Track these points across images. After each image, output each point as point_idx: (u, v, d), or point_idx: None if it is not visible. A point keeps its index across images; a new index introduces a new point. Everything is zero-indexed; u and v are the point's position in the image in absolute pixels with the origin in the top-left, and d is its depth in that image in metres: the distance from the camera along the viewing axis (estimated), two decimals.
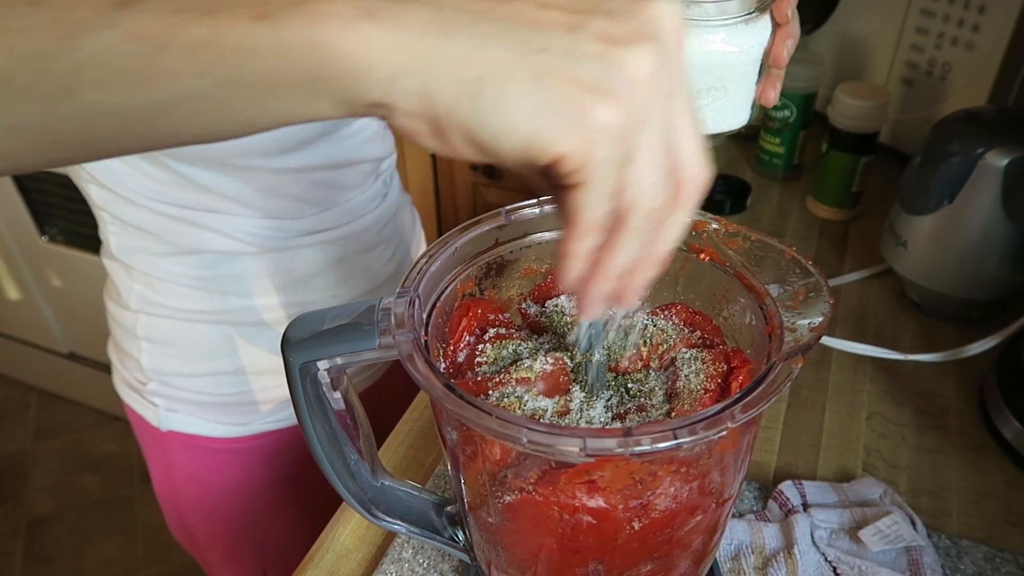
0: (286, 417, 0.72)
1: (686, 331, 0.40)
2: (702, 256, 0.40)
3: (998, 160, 0.58)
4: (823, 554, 0.48)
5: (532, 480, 0.33)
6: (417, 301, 0.36)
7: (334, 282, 0.70)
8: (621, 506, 0.32)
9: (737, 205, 0.82)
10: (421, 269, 0.38)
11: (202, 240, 0.62)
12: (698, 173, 0.27)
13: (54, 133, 0.27)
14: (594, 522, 0.33)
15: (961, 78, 0.78)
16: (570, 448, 0.29)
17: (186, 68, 0.26)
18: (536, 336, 0.41)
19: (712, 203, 0.82)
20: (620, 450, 0.29)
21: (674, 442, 0.29)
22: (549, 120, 0.25)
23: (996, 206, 0.59)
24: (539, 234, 0.42)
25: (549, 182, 0.28)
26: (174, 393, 0.68)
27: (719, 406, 0.30)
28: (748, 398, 0.30)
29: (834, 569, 0.47)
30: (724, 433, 0.29)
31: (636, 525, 0.33)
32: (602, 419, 0.36)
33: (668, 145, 0.26)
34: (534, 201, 0.41)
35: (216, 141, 0.29)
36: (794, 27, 0.44)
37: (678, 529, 0.34)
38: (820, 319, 0.34)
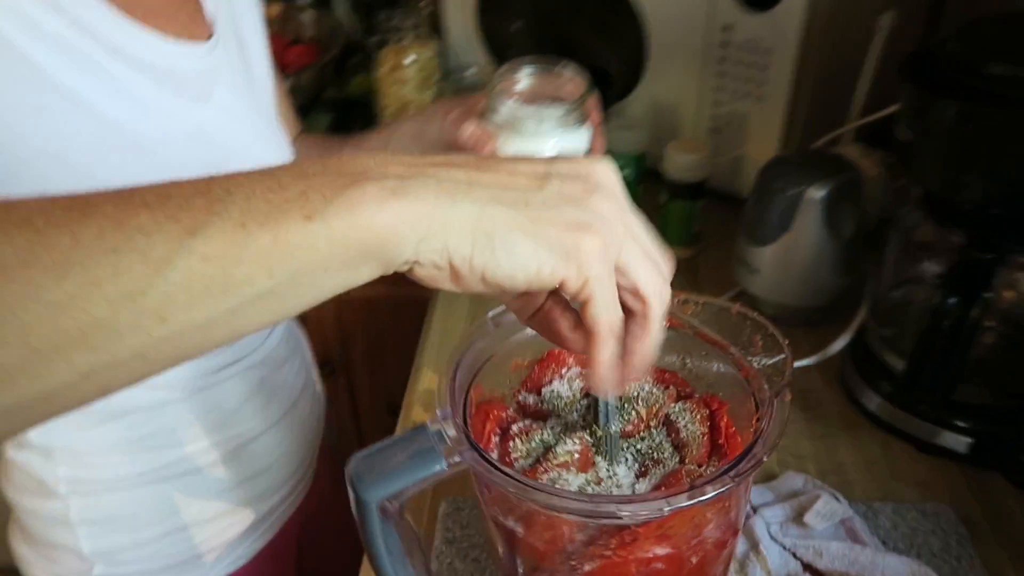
0: (237, 558, 0.71)
1: (665, 389, 0.47)
2: (668, 322, 0.48)
3: (817, 193, 0.73)
4: (782, 544, 0.57)
5: (613, 546, 0.38)
6: (457, 416, 0.41)
7: (260, 407, 0.71)
8: (684, 547, 0.39)
9: None
10: (448, 387, 0.42)
11: (130, 398, 0.60)
12: (666, 259, 0.36)
13: (147, 356, 0.30)
14: (663, 567, 0.39)
15: (756, 125, 0.94)
16: (657, 509, 0.35)
17: (258, 273, 0.30)
18: (544, 422, 0.47)
19: None
20: (691, 502, 0.35)
21: (730, 485, 0.36)
22: (549, 255, 0.32)
23: (822, 228, 0.74)
24: (520, 333, 0.48)
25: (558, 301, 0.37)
26: (123, 571, 0.65)
27: (748, 447, 0.38)
28: (766, 436, 0.38)
29: (794, 554, 0.57)
30: (760, 467, 0.37)
31: (694, 560, 0.40)
32: (629, 480, 0.43)
33: (643, 249, 0.34)
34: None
35: (276, 324, 0.33)
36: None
37: (720, 552, 0.42)
38: (784, 355, 0.43)
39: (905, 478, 0.64)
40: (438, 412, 0.41)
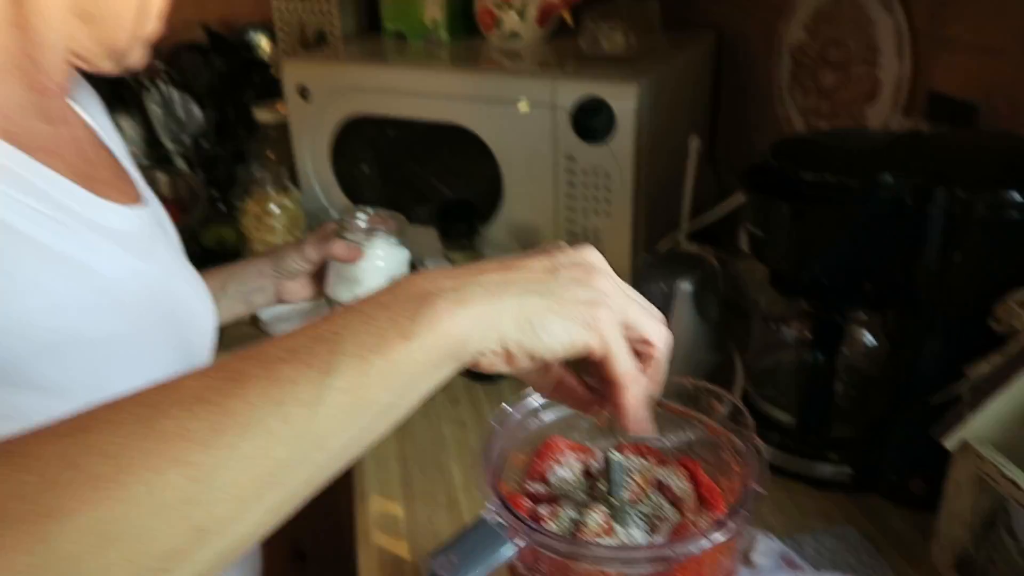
0: None
1: (648, 459, 0.56)
2: None
3: (686, 286, 0.87)
4: None
5: None
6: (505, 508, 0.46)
7: None
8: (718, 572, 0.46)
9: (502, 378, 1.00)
10: (491, 485, 0.48)
11: None
12: (659, 314, 0.47)
13: (312, 482, 0.36)
14: None
15: (608, 235, 1.09)
16: (701, 545, 0.43)
17: (380, 391, 0.37)
18: (556, 503, 0.53)
19: (478, 375, 0.99)
20: (727, 536, 0.44)
21: (748, 516, 0.44)
22: (577, 329, 0.41)
23: (694, 314, 0.88)
24: (517, 432, 0.55)
25: (588, 369, 0.45)
26: None
27: (742, 498, 0.47)
28: (756, 473, 0.48)
29: None
30: (760, 499, 0.46)
31: None
32: (644, 538, 0.50)
33: (641, 307, 0.45)
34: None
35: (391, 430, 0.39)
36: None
37: None
38: (743, 413, 0.53)
39: (810, 512, 0.76)
40: (489, 507, 0.46)
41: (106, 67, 0.62)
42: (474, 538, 0.44)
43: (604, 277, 0.43)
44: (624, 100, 1.00)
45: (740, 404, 0.54)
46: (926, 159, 0.70)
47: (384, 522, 0.78)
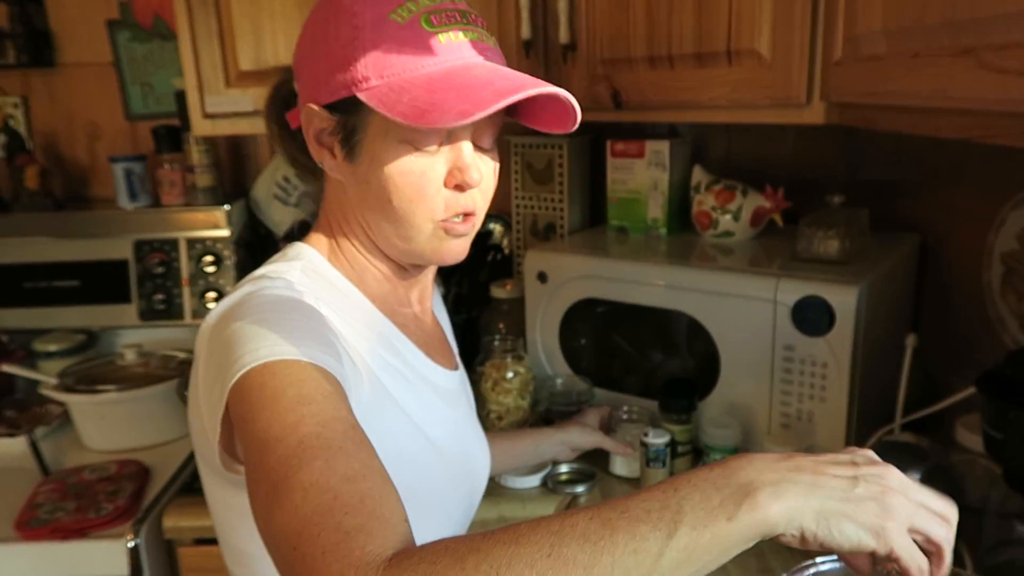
0: None
1: None
2: None
3: (912, 475, 0.93)
4: None
5: None
6: None
7: None
8: None
9: None
10: None
11: None
12: (949, 507, 0.56)
13: None
14: None
15: (822, 421, 1.17)
16: None
17: (704, 555, 0.50)
18: None
19: None
20: None
21: None
22: (865, 534, 0.52)
23: None
24: None
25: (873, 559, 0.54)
26: None
27: None
28: None
29: None
30: None
31: None
32: None
33: (928, 512, 0.54)
34: None
35: None
36: None
37: None
38: None
39: None
40: None
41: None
42: None
43: (897, 495, 0.53)
44: (844, 299, 1.11)
45: None
46: None
47: None
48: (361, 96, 0.69)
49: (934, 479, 0.95)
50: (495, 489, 1.25)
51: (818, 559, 0.65)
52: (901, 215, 1.47)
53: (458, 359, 0.93)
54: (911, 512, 0.53)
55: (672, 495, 0.50)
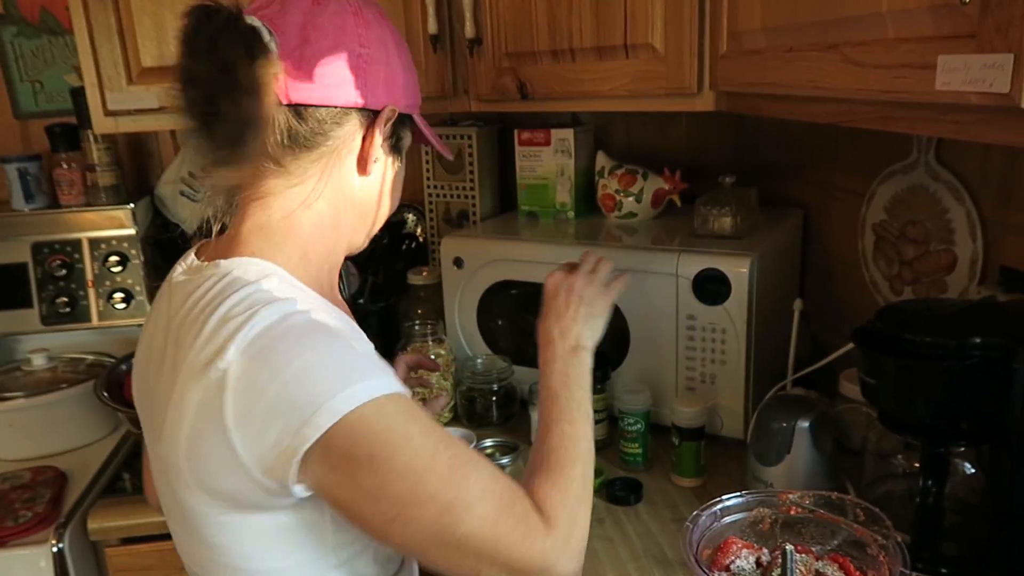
0: None
1: (807, 556, 0.72)
2: (792, 511, 0.74)
3: (804, 423, 1.04)
4: None
5: None
6: None
7: None
8: None
9: (637, 496, 1.17)
10: (700, 566, 0.65)
11: None
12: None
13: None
14: None
15: (723, 381, 1.28)
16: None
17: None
18: None
19: (619, 498, 1.16)
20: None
21: None
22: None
23: (811, 448, 1.05)
24: (706, 532, 0.72)
25: None
26: None
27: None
28: (902, 568, 0.64)
29: None
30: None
31: None
32: None
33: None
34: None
35: None
36: None
37: None
38: (881, 518, 0.69)
39: None
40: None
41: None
42: None
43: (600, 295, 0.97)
44: (738, 270, 1.22)
45: (879, 512, 0.70)
46: (1007, 323, 0.88)
47: None
48: (416, 119, 0.84)
49: (822, 426, 1.07)
50: None
51: (724, 496, 0.74)
52: (786, 193, 1.60)
53: None
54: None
55: (569, 395, 0.87)
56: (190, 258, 0.79)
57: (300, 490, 0.67)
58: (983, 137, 0.70)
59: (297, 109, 0.72)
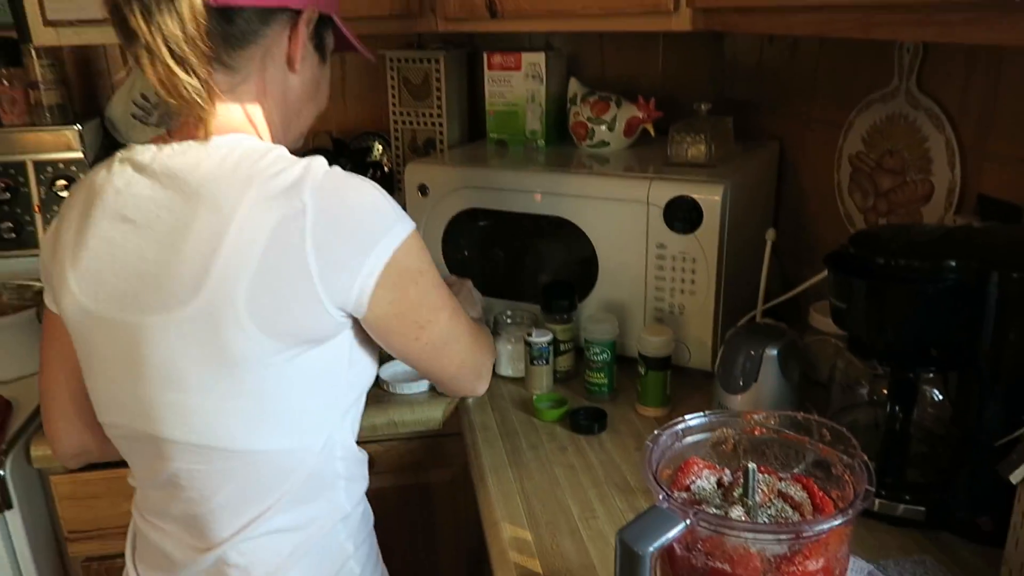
0: None
1: (770, 476, 0.69)
2: (756, 432, 0.71)
3: (772, 352, 1.02)
4: None
5: (799, 560, 0.58)
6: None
7: None
8: (833, 561, 0.59)
9: (601, 425, 1.15)
10: (655, 483, 0.62)
11: None
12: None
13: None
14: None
15: (692, 312, 1.25)
16: (835, 521, 0.56)
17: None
18: (699, 506, 0.66)
19: (582, 427, 1.14)
20: (845, 518, 0.57)
21: (867, 501, 0.58)
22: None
23: (779, 376, 1.02)
24: (665, 451, 0.69)
25: None
26: None
27: (857, 494, 0.60)
28: (868, 486, 0.61)
29: None
30: (871, 498, 0.60)
31: (837, 571, 0.60)
32: None
33: None
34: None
35: None
36: None
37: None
38: (848, 437, 0.67)
39: (890, 546, 0.88)
40: (660, 497, 0.60)
41: None
42: (652, 519, 0.58)
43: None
44: (711, 197, 1.18)
45: (845, 431, 0.68)
46: (981, 248, 0.85)
47: (516, 545, 0.91)
48: (337, 21, 0.88)
49: (791, 354, 1.04)
50: (384, 396, 1.27)
51: (686, 416, 0.71)
52: (762, 125, 1.56)
53: None
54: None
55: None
56: (147, 153, 0.79)
57: (363, 311, 0.79)
58: (970, 38, 0.66)
59: (225, 12, 0.77)
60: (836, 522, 0.57)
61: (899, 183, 1.21)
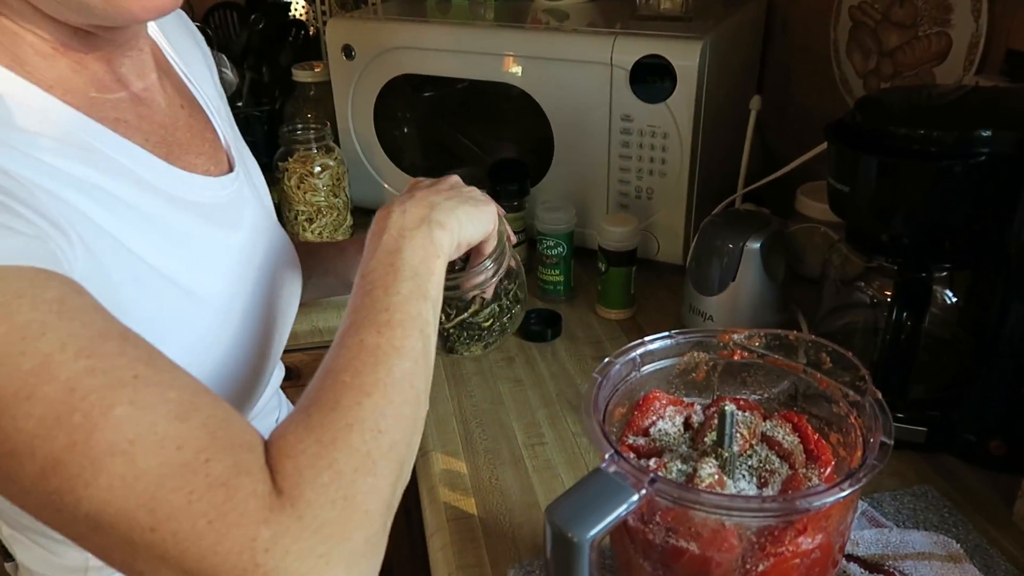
0: None
1: (752, 413, 0.54)
2: (735, 356, 0.55)
3: (754, 245, 0.85)
4: None
5: (787, 540, 0.44)
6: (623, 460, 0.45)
7: None
8: (835, 534, 0.45)
9: (555, 331, 0.99)
10: (603, 435, 0.46)
11: None
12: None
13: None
14: (819, 555, 0.45)
15: (663, 197, 1.07)
16: (835, 494, 0.41)
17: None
18: (660, 456, 0.52)
19: (533, 333, 0.98)
20: (853, 488, 0.42)
21: (878, 467, 0.43)
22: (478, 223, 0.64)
23: (761, 273, 0.86)
24: (618, 386, 0.53)
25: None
26: None
27: (869, 449, 0.45)
28: (884, 437, 0.46)
29: None
30: (888, 453, 0.45)
31: (837, 547, 0.46)
32: (754, 492, 0.49)
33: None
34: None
35: None
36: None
37: (844, 541, 0.48)
38: (855, 364, 0.52)
39: (885, 471, 0.75)
40: (607, 457, 0.45)
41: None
42: (594, 490, 0.43)
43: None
44: (686, 57, 0.98)
45: (852, 357, 0.52)
46: (1016, 114, 0.68)
47: (448, 479, 0.77)
48: None
49: (775, 247, 0.88)
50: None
51: (646, 337, 0.55)
52: None
53: (235, 155, 0.69)
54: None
55: (395, 287, 0.53)
56: None
57: None
58: None
59: None
60: (842, 494, 0.42)
61: (909, 38, 1.02)
